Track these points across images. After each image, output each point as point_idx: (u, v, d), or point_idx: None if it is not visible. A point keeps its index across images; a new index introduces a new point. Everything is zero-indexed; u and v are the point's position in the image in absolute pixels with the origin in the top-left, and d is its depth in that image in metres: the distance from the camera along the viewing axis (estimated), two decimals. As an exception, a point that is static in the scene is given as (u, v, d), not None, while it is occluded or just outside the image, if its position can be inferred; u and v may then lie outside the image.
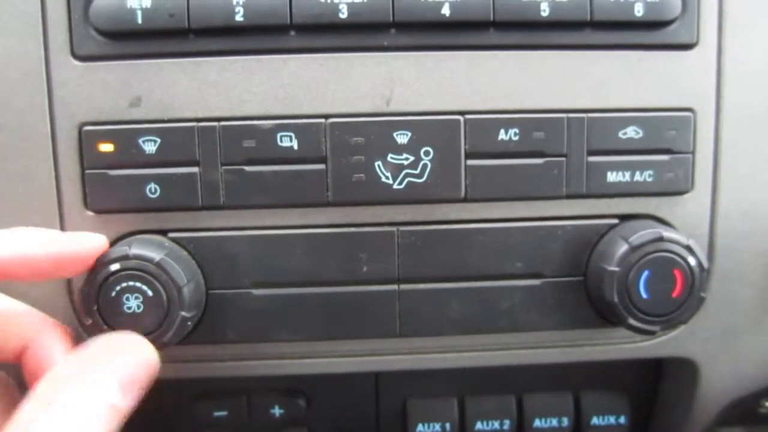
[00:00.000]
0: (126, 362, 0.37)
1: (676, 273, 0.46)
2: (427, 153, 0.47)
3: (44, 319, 0.42)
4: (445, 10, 0.46)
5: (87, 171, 0.46)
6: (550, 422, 0.59)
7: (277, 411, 0.58)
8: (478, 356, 0.52)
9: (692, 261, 0.46)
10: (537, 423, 0.59)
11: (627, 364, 0.56)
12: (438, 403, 0.59)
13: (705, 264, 0.46)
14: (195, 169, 0.46)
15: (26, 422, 0.32)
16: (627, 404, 0.60)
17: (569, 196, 0.48)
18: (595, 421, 0.60)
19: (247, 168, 0.46)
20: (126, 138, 0.46)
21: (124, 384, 0.36)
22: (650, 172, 0.48)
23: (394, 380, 0.59)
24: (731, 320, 0.52)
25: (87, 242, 0.42)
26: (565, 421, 0.59)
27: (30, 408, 0.33)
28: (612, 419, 0.60)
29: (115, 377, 0.35)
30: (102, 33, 0.46)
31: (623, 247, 0.46)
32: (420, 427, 0.59)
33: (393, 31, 0.47)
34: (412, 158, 0.47)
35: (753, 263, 0.51)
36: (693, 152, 0.49)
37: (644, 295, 0.46)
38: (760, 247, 0.51)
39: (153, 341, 0.43)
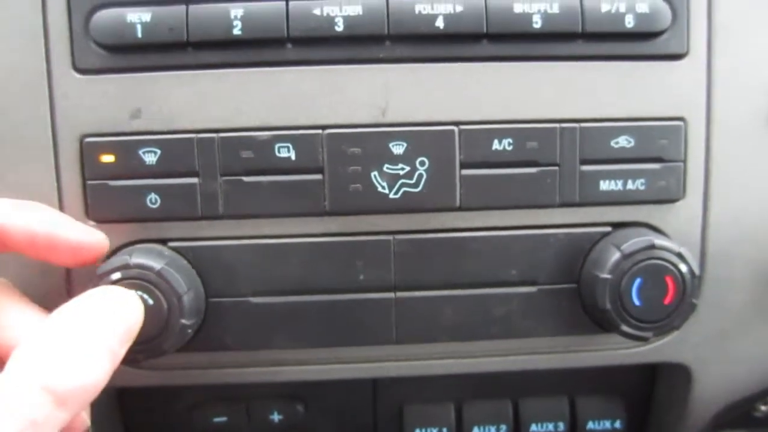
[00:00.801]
0: (122, 315, 0.40)
1: (668, 280, 0.47)
2: (422, 163, 0.48)
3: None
4: (439, 23, 0.46)
5: (88, 182, 0.47)
6: (546, 427, 0.60)
7: (276, 416, 0.58)
8: (475, 362, 0.53)
9: (684, 268, 0.47)
10: (533, 428, 0.60)
11: (622, 368, 0.56)
12: (435, 408, 0.60)
13: (696, 271, 0.47)
14: (194, 180, 0.47)
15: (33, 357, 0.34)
16: (622, 409, 0.61)
17: (562, 205, 0.49)
18: (590, 425, 0.60)
19: (246, 178, 0.47)
20: (126, 149, 0.47)
21: (121, 334, 0.39)
22: (642, 180, 0.49)
23: (392, 386, 0.60)
24: (723, 326, 0.53)
25: (85, 234, 0.44)
26: (561, 426, 0.60)
27: (39, 344, 0.35)
28: (607, 423, 0.60)
29: (113, 329, 0.38)
30: (103, 46, 0.47)
31: (615, 255, 0.47)
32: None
33: (388, 43, 0.47)
34: (407, 168, 0.48)
35: (744, 269, 0.52)
36: (684, 160, 0.50)
37: (636, 302, 0.47)
38: (752, 254, 0.52)
39: (153, 348, 0.44)
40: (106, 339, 0.37)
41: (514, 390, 0.60)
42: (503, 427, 0.60)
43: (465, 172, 0.48)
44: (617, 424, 0.60)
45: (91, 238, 0.44)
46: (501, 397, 0.60)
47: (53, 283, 0.48)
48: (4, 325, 0.41)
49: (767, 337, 0.54)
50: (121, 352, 0.38)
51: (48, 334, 0.35)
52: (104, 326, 0.38)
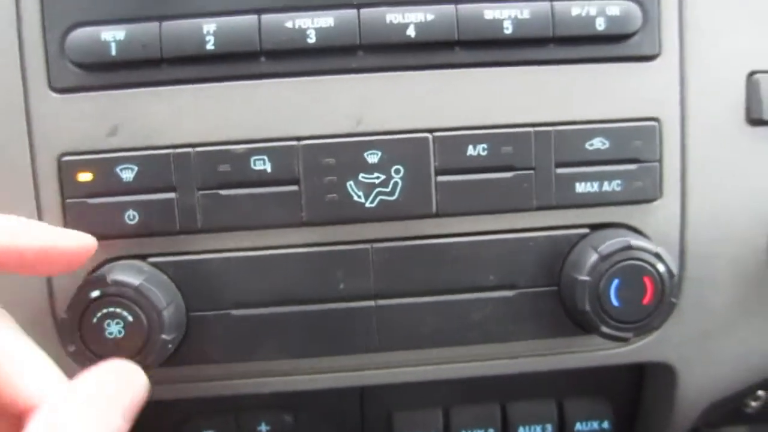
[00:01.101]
0: (126, 391, 0.38)
1: (646, 280, 0.47)
2: (397, 171, 0.48)
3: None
4: (411, 32, 0.47)
5: (67, 200, 0.47)
6: (534, 429, 0.60)
7: (264, 427, 0.59)
8: (460, 367, 0.53)
9: (661, 268, 0.47)
10: (521, 430, 0.60)
11: (609, 370, 0.56)
12: (423, 413, 0.60)
13: (674, 271, 0.47)
14: (172, 195, 0.47)
15: None
16: (609, 409, 0.61)
17: (539, 208, 0.49)
18: (578, 426, 0.60)
19: (223, 192, 0.47)
20: (104, 167, 0.47)
21: (125, 411, 0.37)
22: (618, 181, 0.49)
23: (380, 393, 0.60)
24: (705, 324, 0.53)
25: (75, 239, 0.42)
26: (549, 428, 0.60)
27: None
28: (595, 424, 0.60)
29: (119, 406, 0.36)
30: (78, 65, 0.47)
31: (593, 257, 0.47)
32: (406, 438, 0.60)
33: (360, 53, 0.48)
34: (383, 177, 0.48)
35: (725, 268, 0.52)
36: (660, 161, 0.50)
37: (615, 303, 0.47)
38: (731, 252, 0.52)
39: (136, 364, 0.44)
40: (115, 422, 0.35)
41: (502, 393, 0.60)
42: (491, 431, 0.60)
43: (440, 178, 0.48)
44: (605, 425, 0.60)
45: (79, 240, 0.41)
46: (489, 400, 0.60)
47: (34, 297, 0.48)
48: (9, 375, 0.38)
49: (750, 335, 0.54)
50: (126, 426, 0.37)
51: (56, 422, 0.34)
52: (112, 408, 0.36)
